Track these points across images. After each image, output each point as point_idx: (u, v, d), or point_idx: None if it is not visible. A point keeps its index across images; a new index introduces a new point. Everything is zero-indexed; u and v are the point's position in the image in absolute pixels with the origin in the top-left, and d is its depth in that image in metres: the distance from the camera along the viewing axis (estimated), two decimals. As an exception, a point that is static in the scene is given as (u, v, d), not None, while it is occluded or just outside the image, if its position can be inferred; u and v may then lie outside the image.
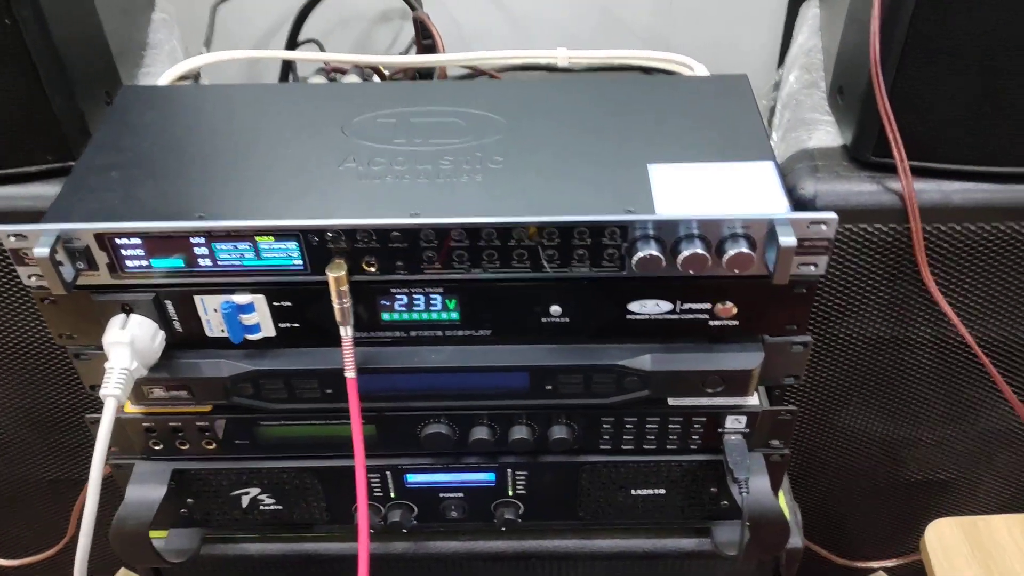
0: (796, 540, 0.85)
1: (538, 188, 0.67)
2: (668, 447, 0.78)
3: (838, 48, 0.93)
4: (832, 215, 0.63)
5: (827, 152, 0.89)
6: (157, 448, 0.78)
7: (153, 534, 0.84)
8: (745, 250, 0.63)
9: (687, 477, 0.80)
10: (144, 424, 0.77)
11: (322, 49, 1.20)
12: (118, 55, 0.90)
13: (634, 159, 0.69)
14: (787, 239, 0.62)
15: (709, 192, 0.66)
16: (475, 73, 1.12)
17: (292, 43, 1.17)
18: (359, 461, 0.70)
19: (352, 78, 0.97)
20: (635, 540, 0.86)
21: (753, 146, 0.71)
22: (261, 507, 0.83)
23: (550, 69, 1.10)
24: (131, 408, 0.76)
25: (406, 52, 1.19)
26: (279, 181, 0.69)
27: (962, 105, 0.80)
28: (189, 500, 0.83)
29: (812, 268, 0.66)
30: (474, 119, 0.75)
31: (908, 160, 0.81)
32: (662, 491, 0.81)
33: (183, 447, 0.78)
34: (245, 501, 0.83)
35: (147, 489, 0.78)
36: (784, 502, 0.87)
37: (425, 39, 1.07)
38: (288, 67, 1.17)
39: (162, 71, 0.95)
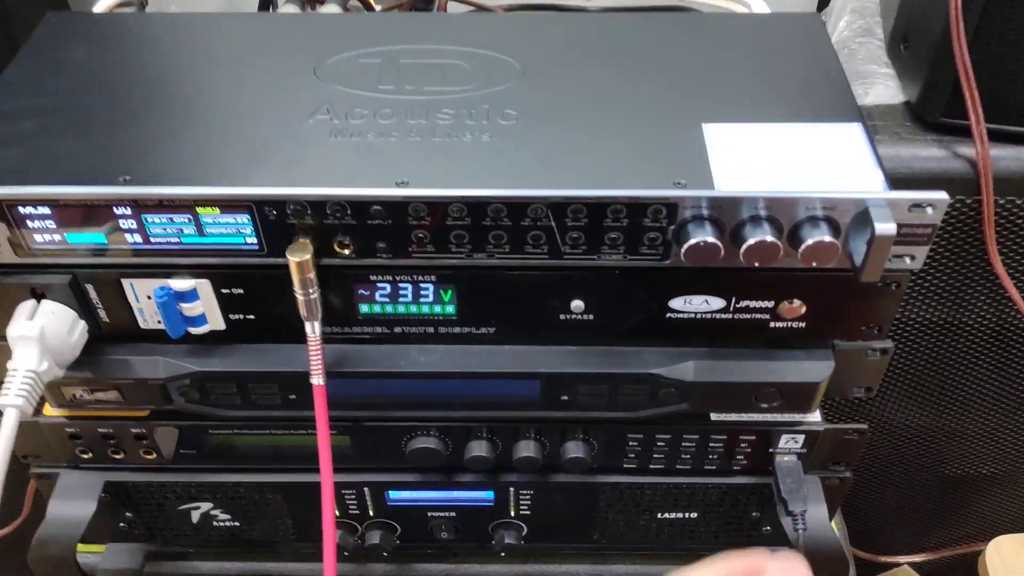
0: (850, 571, 0.72)
1: (561, 152, 0.53)
2: (706, 468, 0.65)
3: (902, -11, 0.80)
4: (943, 196, 0.49)
5: (887, 110, 0.79)
6: (85, 456, 0.65)
7: (88, 548, 0.72)
8: (827, 238, 0.49)
9: (725, 501, 0.67)
10: (68, 430, 0.63)
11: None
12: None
13: (685, 117, 0.55)
14: (884, 226, 0.48)
15: (780, 161, 0.52)
16: (477, 10, 0.96)
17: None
18: (326, 485, 0.56)
19: (332, 8, 0.81)
20: (657, 566, 0.74)
21: (835, 103, 0.56)
22: (215, 523, 0.70)
23: (567, 9, 0.94)
24: (51, 411, 0.62)
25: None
26: (231, 137, 0.54)
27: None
28: (128, 514, 0.69)
29: (907, 260, 0.52)
30: (482, 62, 0.60)
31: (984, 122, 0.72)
32: (694, 515, 0.68)
33: (117, 456, 0.65)
34: (196, 516, 0.70)
35: (73, 505, 0.65)
36: (834, 523, 0.74)
37: (420, -35, 0.91)
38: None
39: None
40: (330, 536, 0.57)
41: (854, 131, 0.54)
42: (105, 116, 0.56)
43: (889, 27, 0.86)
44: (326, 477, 0.56)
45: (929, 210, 0.49)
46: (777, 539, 0.70)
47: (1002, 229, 0.77)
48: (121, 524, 0.70)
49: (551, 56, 0.61)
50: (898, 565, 1.17)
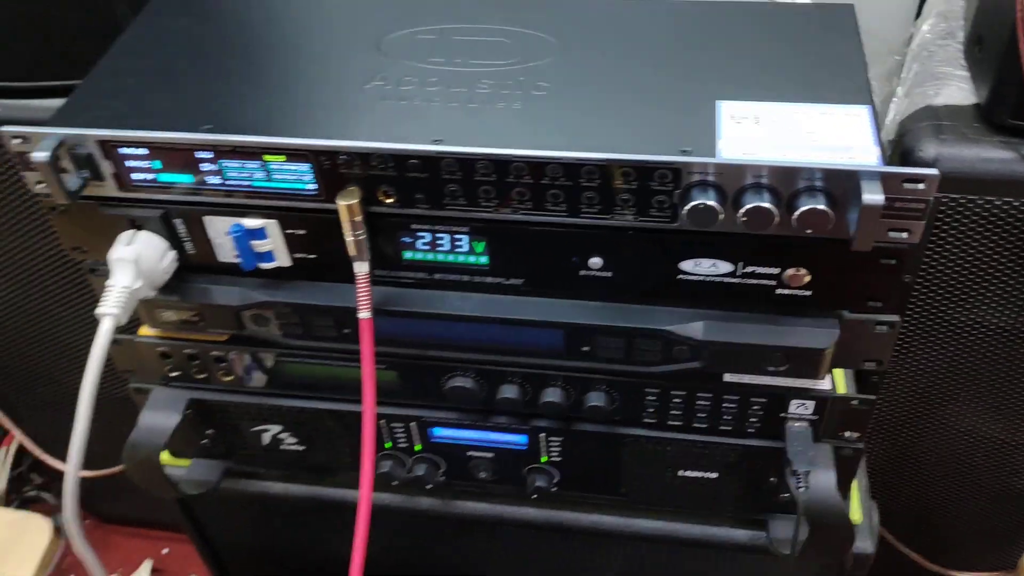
0: (866, 544, 0.74)
1: (583, 120, 0.58)
2: (721, 428, 0.69)
3: (982, -11, 0.80)
4: (933, 172, 0.52)
5: (956, 111, 0.78)
6: (174, 375, 0.74)
7: (176, 462, 0.82)
8: (821, 207, 0.53)
9: (742, 463, 0.71)
10: (159, 349, 0.72)
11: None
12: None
13: (703, 94, 0.59)
14: (872, 196, 0.51)
15: (786, 136, 0.56)
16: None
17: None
18: (368, 412, 0.64)
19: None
20: (682, 524, 0.78)
21: (849, 87, 0.59)
22: (283, 446, 0.79)
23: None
24: (146, 331, 0.72)
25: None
26: (299, 98, 0.62)
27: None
28: (209, 431, 0.79)
29: (904, 235, 0.55)
30: (523, 39, 0.66)
31: (1053, 126, 0.71)
32: (714, 475, 0.72)
33: (200, 376, 0.74)
34: (266, 438, 0.78)
35: (161, 416, 0.74)
36: (858, 501, 0.76)
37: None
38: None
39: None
40: (369, 456, 0.64)
41: (861, 113, 0.57)
42: (196, 76, 0.65)
43: (968, 30, 0.85)
44: (368, 404, 0.64)
45: (920, 185, 0.52)
46: (793, 507, 0.73)
47: (1068, 234, 0.75)
48: (204, 441, 0.80)
49: (586, 36, 0.66)
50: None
